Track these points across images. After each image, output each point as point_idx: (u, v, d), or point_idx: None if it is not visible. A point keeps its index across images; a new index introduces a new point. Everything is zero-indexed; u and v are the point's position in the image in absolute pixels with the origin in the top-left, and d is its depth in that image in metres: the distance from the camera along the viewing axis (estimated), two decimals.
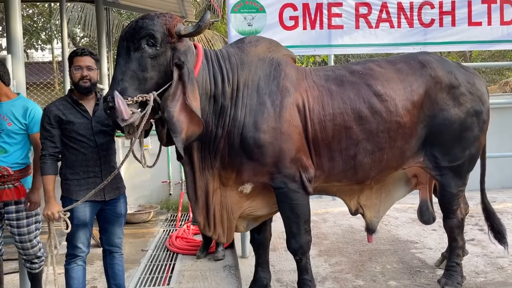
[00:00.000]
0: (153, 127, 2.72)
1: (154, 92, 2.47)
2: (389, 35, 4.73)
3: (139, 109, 2.43)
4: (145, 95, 2.43)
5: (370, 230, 3.30)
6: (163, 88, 2.48)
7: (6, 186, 3.03)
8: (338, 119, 2.81)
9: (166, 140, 2.64)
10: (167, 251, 4.69)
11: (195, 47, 2.71)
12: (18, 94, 3.22)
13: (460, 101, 3.00)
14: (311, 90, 2.86)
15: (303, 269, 2.94)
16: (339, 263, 3.82)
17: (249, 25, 4.68)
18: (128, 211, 6.32)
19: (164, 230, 5.57)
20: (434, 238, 4.30)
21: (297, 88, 2.83)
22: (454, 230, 3.23)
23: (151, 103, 2.42)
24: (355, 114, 2.83)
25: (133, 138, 2.48)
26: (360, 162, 2.90)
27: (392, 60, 3.06)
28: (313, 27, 4.76)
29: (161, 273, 4.07)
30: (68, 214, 2.62)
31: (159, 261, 4.39)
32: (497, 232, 3.39)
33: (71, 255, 2.77)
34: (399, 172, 3.22)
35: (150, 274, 4.05)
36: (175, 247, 4.69)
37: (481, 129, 3.10)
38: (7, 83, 3.12)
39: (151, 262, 4.38)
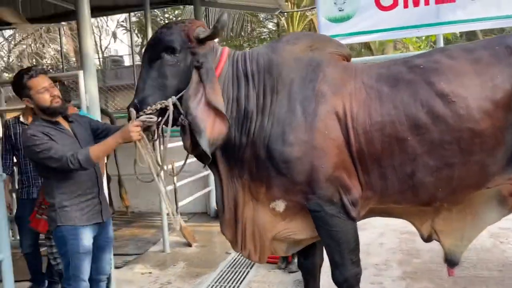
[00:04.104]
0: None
1: (174, 97, 2.39)
2: None
3: (160, 117, 2.41)
4: (164, 101, 2.38)
5: (450, 262, 2.64)
6: (183, 92, 2.38)
7: (42, 216, 2.95)
8: (388, 129, 2.26)
9: (192, 148, 2.47)
10: None
11: (221, 50, 2.52)
12: (80, 109, 3.40)
13: None
14: (357, 94, 2.35)
15: None
16: None
17: (340, 10, 4.24)
18: None
19: None
20: None
21: (339, 92, 2.36)
22: None
23: (171, 107, 2.36)
24: (410, 121, 2.23)
25: (152, 144, 2.49)
26: (421, 181, 2.30)
27: (470, 48, 2.35)
28: (416, 4, 4.15)
29: (233, 282, 3.96)
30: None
31: (238, 267, 4.28)
32: None
33: None
34: (489, 190, 2.49)
35: (221, 282, 3.97)
36: None
37: None
38: (67, 101, 3.30)
39: (228, 267, 4.31)
